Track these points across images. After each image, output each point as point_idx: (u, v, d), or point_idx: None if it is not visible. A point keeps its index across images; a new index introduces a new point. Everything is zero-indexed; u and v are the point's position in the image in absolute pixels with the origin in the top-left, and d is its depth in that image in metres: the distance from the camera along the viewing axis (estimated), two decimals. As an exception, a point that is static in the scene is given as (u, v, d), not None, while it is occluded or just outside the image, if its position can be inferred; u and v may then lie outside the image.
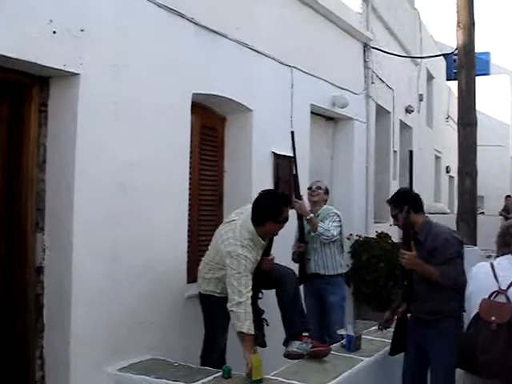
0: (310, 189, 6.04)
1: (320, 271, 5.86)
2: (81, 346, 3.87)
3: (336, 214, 5.89)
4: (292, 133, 5.43)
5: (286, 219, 4.30)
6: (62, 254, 3.86)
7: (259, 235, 4.25)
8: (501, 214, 12.26)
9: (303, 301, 5.68)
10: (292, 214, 5.60)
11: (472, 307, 3.54)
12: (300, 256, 5.73)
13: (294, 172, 5.51)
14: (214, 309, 4.41)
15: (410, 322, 4.36)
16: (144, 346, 4.32)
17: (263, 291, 4.45)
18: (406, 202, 4.24)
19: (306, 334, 4.34)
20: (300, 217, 5.60)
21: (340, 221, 5.88)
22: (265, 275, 4.37)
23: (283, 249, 5.68)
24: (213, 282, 4.41)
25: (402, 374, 4.46)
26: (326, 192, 6.11)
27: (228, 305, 4.03)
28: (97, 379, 3.98)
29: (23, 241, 3.90)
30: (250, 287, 4.07)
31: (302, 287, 5.72)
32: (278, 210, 4.23)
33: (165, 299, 4.58)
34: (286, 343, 4.33)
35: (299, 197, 5.54)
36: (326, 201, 6.13)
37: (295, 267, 5.57)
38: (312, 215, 5.62)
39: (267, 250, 4.41)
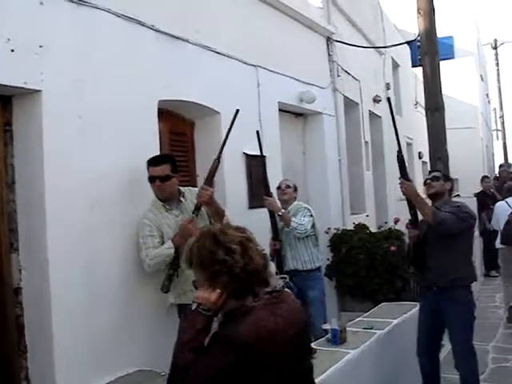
0: (279, 188, 6.11)
1: (298, 267, 5.92)
2: (66, 363, 3.84)
3: (306, 208, 5.99)
4: (257, 132, 5.47)
5: (151, 178, 4.44)
6: (39, 273, 3.82)
7: (158, 198, 4.54)
8: (475, 195, 12.31)
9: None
10: (265, 212, 5.64)
11: (501, 221, 8.21)
12: (276, 253, 5.74)
13: (263, 170, 5.55)
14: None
15: (423, 290, 5.07)
16: (129, 358, 4.30)
17: None
18: (450, 181, 5.16)
19: None
20: (272, 214, 5.63)
21: (311, 215, 5.95)
22: None
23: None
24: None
25: (418, 338, 5.02)
26: (295, 190, 6.22)
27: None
28: (84, 396, 3.95)
29: (-2, 263, 3.86)
30: (154, 253, 4.38)
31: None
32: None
33: (147, 309, 4.56)
34: None
35: (269, 194, 5.57)
36: (295, 198, 6.19)
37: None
38: (284, 211, 5.69)
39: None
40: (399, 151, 4.90)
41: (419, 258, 4.94)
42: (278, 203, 5.81)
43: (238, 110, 4.81)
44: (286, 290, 2.42)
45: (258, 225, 5.89)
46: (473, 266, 5.07)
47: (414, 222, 4.90)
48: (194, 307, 2.24)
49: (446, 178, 5.18)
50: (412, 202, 4.79)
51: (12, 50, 3.59)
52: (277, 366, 2.16)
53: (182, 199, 4.61)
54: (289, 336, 2.21)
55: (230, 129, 4.70)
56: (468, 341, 4.80)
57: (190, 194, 4.67)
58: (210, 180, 4.57)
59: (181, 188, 4.67)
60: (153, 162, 4.47)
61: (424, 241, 4.87)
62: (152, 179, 4.46)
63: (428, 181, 5.11)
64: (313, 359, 2.54)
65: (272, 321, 2.17)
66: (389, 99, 5.30)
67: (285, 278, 2.54)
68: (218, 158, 4.65)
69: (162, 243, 4.43)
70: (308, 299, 5.91)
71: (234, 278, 2.19)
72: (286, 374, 2.20)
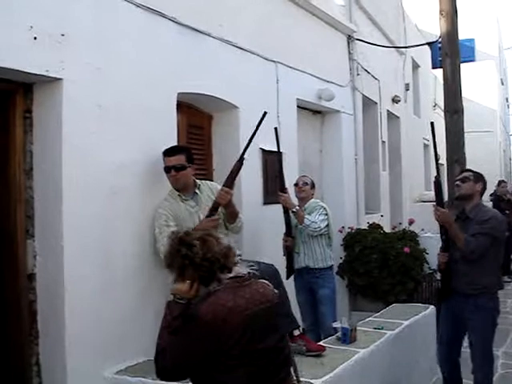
0: (296, 185, 6.06)
1: (310, 264, 5.89)
2: (76, 351, 3.87)
3: (322, 207, 5.92)
4: (275, 129, 5.46)
5: (166, 168, 4.51)
6: (53, 260, 3.85)
7: (174, 188, 4.58)
8: (491, 200, 12.22)
9: (295, 296, 5.75)
10: (279, 208, 5.64)
11: None
12: (287, 250, 5.74)
13: (279, 166, 5.53)
14: None
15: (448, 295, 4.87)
16: (140, 347, 4.31)
17: None
18: (481, 182, 4.95)
19: (297, 332, 4.42)
20: (286, 210, 5.61)
21: (327, 214, 5.89)
22: None
23: (272, 243, 5.70)
24: None
25: (438, 339, 5.06)
26: (313, 186, 6.15)
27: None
28: (94, 384, 3.98)
29: (14, 248, 3.90)
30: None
31: (292, 281, 5.78)
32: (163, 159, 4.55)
33: (158, 300, 4.56)
34: None
35: (284, 190, 5.54)
36: (313, 195, 6.15)
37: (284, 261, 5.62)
38: (298, 207, 5.65)
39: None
40: (437, 177, 4.84)
41: (446, 287, 4.87)
42: (293, 199, 5.79)
43: (265, 113, 4.82)
44: (261, 280, 2.74)
45: (272, 221, 5.94)
46: (499, 274, 4.99)
47: (445, 249, 4.82)
48: (171, 298, 2.62)
49: (478, 178, 4.94)
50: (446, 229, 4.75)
51: (34, 38, 3.62)
52: (235, 339, 2.42)
53: (197, 191, 4.61)
54: (249, 314, 2.48)
55: (255, 131, 4.69)
56: (487, 347, 4.73)
57: (207, 188, 4.68)
58: (230, 182, 4.56)
59: (197, 180, 4.68)
60: (168, 152, 4.52)
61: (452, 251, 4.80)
62: (167, 169, 4.50)
63: (457, 182, 4.96)
64: (284, 342, 2.71)
65: (231, 299, 2.47)
66: (432, 124, 5.10)
67: (252, 265, 2.75)
68: (241, 160, 4.64)
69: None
70: (318, 298, 5.90)
71: (196, 268, 2.53)
72: (245, 348, 2.45)
